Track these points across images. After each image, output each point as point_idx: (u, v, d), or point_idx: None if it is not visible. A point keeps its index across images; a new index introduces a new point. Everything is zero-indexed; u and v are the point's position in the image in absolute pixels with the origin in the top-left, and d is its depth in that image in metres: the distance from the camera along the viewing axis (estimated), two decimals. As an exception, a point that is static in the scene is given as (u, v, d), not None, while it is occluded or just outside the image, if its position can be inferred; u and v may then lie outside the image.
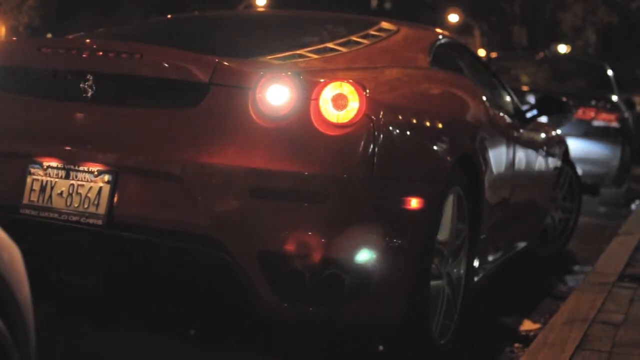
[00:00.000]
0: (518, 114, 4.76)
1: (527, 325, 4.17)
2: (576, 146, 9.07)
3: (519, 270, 5.55)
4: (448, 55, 4.23)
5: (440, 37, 4.21)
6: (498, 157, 3.99)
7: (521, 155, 4.50)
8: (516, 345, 3.80)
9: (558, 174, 5.63)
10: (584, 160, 9.03)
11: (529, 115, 4.85)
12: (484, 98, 4.03)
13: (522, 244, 5.03)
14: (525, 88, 9.45)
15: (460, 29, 38.58)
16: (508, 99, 4.83)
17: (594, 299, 4.14)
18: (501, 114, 4.34)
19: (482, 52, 36.86)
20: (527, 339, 3.84)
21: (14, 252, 1.67)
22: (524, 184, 4.62)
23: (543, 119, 5.42)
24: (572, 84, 10.24)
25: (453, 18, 38.27)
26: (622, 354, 3.29)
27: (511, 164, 4.27)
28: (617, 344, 3.41)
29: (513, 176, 4.32)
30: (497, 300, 4.72)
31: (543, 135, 5.24)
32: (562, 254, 6.03)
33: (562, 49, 34.45)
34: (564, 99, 5.32)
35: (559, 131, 5.79)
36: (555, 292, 4.97)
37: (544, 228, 5.60)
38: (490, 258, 4.23)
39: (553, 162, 5.40)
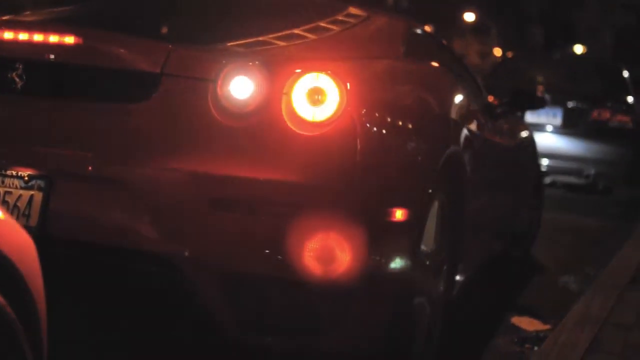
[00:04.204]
0: (488, 109, 4.44)
1: (537, 326, 4.16)
2: (590, 147, 9.12)
3: (526, 269, 5.54)
4: (420, 45, 3.84)
5: (412, 25, 3.83)
6: (478, 157, 3.68)
7: (497, 153, 4.27)
8: (526, 345, 3.79)
9: (527, 170, 5.49)
10: (598, 161, 9.10)
11: (499, 110, 4.51)
12: (465, 93, 3.70)
13: (496, 247, 4.80)
14: (540, 88, 9.46)
15: (477, 28, 38.53)
16: (479, 93, 4.46)
17: (605, 301, 4.13)
18: (477, 109, 4.03)
19: (498, 52, 36.83)
20: (537, 340, 3.84)
21: (27, 242, 1.68)
22: (499, 184, 4.42)
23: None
24: (588, 85, 10.23)
25: (469, 17, 38.21)
26: (633, 356, 3.28)
27: (489, 163, 4.01)
28: (628, 346, 3.40)
29: (491, 177, 4.08)
30: (505, 300, 4.71)
31: (514, 131, 5.11)
32: (530, 253, 5.87)
33: (579, 49, 34.35)
34: (539, 93, 5.10)
35: (526, 130, 5.61)
36: (566, 293, 4.96)
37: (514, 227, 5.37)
38: (467, 267, 3.86)
39: (523, 159, 5.29)
